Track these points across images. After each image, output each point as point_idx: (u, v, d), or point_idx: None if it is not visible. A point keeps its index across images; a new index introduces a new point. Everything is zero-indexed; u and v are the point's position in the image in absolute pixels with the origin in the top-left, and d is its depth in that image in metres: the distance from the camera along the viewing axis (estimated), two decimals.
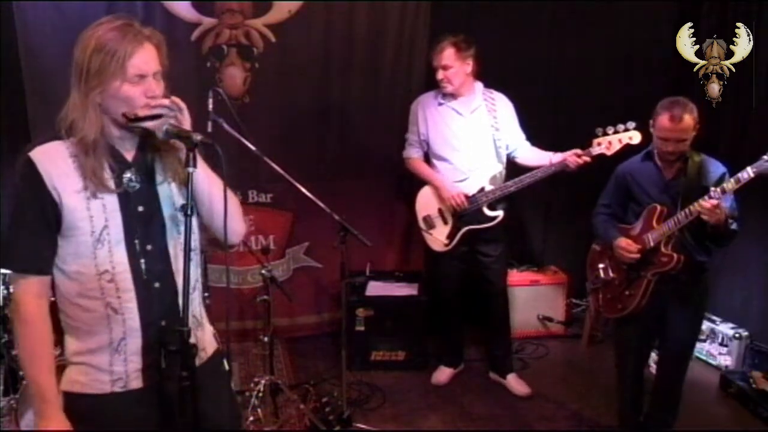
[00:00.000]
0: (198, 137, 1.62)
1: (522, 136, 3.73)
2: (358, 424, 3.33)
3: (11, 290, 3.00)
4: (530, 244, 4.94)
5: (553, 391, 3.81)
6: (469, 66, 3.57)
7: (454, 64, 3.53)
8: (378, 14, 4.25)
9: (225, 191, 1.70)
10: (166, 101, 1.64)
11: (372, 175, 4.42)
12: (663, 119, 2.69)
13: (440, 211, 3.73)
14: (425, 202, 3.79)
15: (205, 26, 4.05)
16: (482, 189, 3.63)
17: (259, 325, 3.29)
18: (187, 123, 1.67)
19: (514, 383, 3.84)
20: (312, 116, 4.31)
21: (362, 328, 4.01)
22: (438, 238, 3.74)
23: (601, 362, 3.69)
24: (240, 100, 4.14)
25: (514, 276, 4.47)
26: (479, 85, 3.69)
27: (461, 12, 4.37)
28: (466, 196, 3.62)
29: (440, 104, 3.69)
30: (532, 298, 4.52)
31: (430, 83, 3.87)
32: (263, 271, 3.34)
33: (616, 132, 3.25)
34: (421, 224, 3.80)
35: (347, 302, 3.63)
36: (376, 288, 4.23)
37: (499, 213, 3.65)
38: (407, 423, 3.50)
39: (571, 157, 3.39)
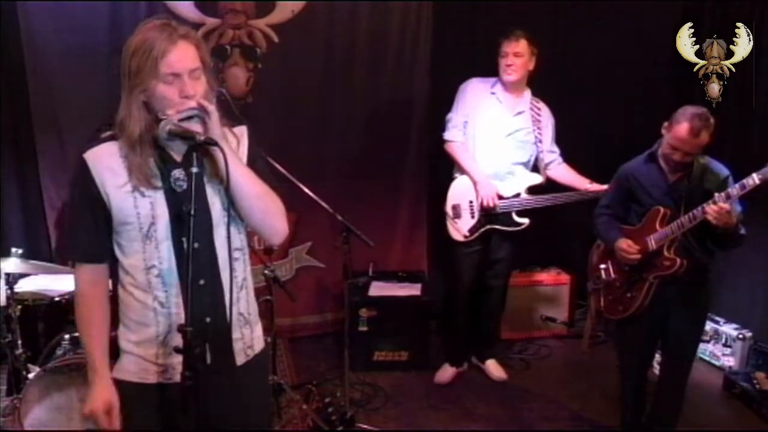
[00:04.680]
0: (201, 137, 1.64)
1: (557, 151, 3.76)
2: (361, 425, 3.33)
3: (14, 289, 3.06)
4: (534, 244, 4.92)
5: (556, 392, 3.80)
6: (532, 64, 3.59)
7: (525, 54, 3.54)
8: (380, 14, 4.25)
9: (226, 189, 1.71)
10: (193, 103, 1.66)
11: (375, 175, 4.42)
12: (681, 129, 2.60)
13: (470, 204, 3.71)
14: (459, 192, 3.75)
15: (208, 26, 4.05)
16: (518, 194, 3.66)
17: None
18: (216, 127, 1.67)
19: (493, 368, 3.92)
20: (315, 116, 4.31)
21: (365, 329, 4.01)
22: (460, 228, 3.73)
23: (604, 363, 3.69)
24: (243, 100, 4.14)
25: (518, 276, 4.47)
26: (528, 91, 3.70)
27: (464, 12, 4.37)
28: (500, 198, 3.64)
29: (492, 93, 3.66)
30: (536, 299, 4.52)
31: (432, 83, 3.87)
32: (266, 271, 3.34)
33: None
34: (449, 211, 3.77)
35: (350, 302, 3.63)
36: (378, 288, 4.23)
37: (526, 220, 3.69)
38: (410, 423, 3.50)
39: None
